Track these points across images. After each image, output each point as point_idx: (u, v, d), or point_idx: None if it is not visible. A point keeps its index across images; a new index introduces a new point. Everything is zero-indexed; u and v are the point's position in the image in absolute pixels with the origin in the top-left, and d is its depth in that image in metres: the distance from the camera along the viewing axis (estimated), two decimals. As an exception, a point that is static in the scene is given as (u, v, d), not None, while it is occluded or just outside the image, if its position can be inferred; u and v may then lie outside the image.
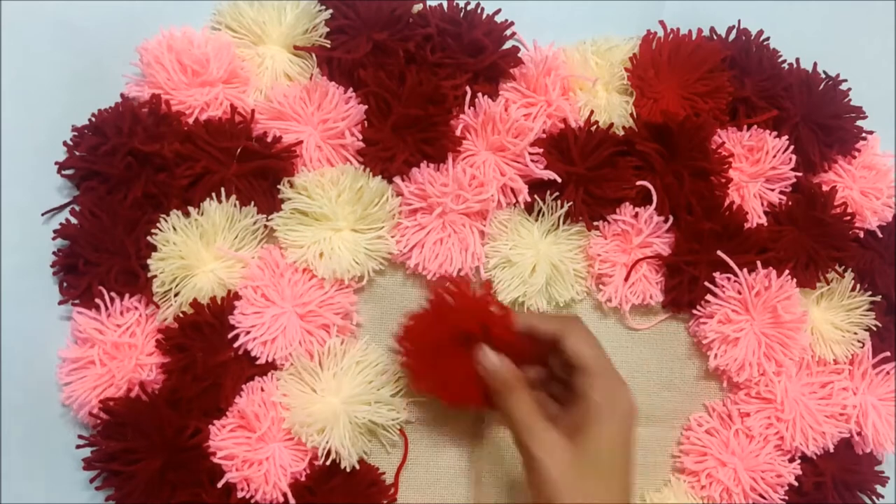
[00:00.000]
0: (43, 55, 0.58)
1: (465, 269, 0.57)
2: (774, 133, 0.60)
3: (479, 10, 0.59)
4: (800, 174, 0.61)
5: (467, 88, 0.57)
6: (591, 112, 0.59)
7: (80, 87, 0.58)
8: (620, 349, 0.60)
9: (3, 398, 0.56)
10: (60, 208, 0.56)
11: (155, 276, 0.54)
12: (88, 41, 0.59)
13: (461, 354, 0.50)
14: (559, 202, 0.58)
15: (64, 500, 0.56)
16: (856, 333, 0.60)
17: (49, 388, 0.55)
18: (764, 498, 0.58)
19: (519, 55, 0.59)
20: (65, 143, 0.56)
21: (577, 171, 0.57)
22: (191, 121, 0.57)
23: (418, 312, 0.53)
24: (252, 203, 0.56)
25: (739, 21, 0.62)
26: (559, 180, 0.57)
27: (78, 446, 0.54)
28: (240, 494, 0.55)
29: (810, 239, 0.60)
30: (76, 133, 0.57)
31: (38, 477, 0.56)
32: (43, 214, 0.57)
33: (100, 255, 0.55)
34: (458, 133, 0.58)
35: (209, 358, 0.54)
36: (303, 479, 0.55)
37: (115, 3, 0.59)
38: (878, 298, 0.61)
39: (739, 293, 0.59)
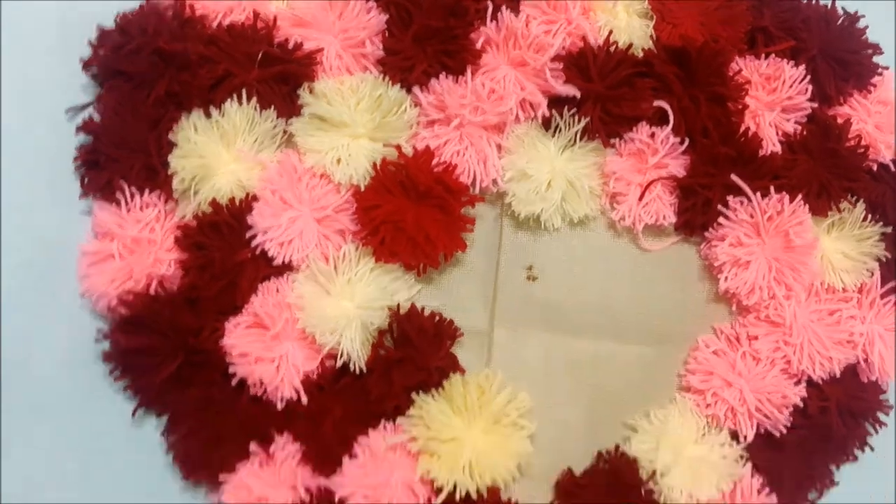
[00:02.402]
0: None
1: (482, 181, 0.58)
2: (792, 63, 0.61)
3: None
4: (815, 105, 0.61)
5: (489, 2, 0.58)
6: (611, 31, 0.59)
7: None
8: (632, 269, 0.61)
9: (25, 291, 0.57)
10: (84, 107, 0.57)
11: (175, 173, 0.55)
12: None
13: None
14: (576, 118, 0.58)
15: (82, 393, 0.57)
16: (865, 263, 0.61)
17: (69, 281, 0.57)
18: (769, 418, 0.59)
19: (540, -27, 0.60)
20: (89, 43, 0.57)
21: (596, 89, 0.58)
22: (214, 25, 0.57)
23: None
24: (272, 107, 0.57)
25: (760, -50, 0.63)
26: (578, 95, 0.57)
27: (97, 340, 0.55)
28: (252, 392, 0.56)
29: (824, 169, 0.60)
30: (101, 34, 0.57)
31: (58, 369, 0.57)
32: (67, 112, 0.57)
33: (121, 152, 0.55)
34: (478, 46, 0.58)
35: (227, 257, 0.55)
36: (314, 377, 0.56)
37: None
38: (888, 230, 0.61)
39: (752, 217, 0.59)
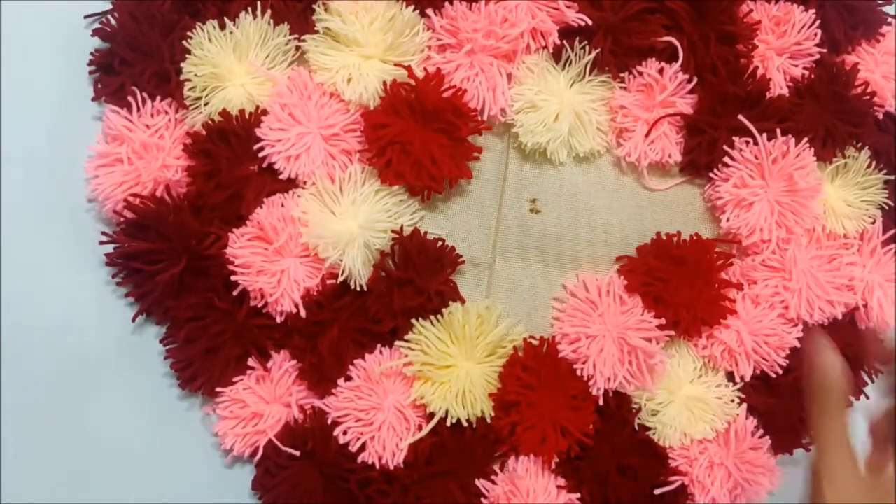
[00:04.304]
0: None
1: (491, 109, 0.58)
2: (801, 7, 0.61)
3: None
4: (824, 51, 0.61)
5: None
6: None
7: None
8: (636, 208, 0.61)
9: (33, 193, 0.58)
10: (102, 14, 0.58)
11: (187, 80, 0.56)
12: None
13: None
14: (587, 50, 0.59)
15: (85, 294, 0.58)
16: (867, 210, 0.61)
17: (77, 183, 0.57)
18: (766, 360, 0.59)
19: None
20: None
21: (608, 19, 0.58)
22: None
23: None
24: (286, 23, 0.57)
25: None
26: (590, 23, 0.58)
27: (101, 242, 0.56)
28: (252, 303, 0.56)
29: (830, 113, 0.61)
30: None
31: (62, 273, 0.58)
32: (85, 17, 0.58)
33: (135, 56, 0.56)
34: (492, -26, 0.59)
35: (234, 167, 0.56)
36: (314, 294, 0.57)
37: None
38: (892, 177, 0.62)
39: (757, 158, 0.59)
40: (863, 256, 0.62)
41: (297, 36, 0.58)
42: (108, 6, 0.58)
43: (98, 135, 0.57)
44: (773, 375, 0.59)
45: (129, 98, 0.56)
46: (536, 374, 0.57)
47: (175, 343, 0.57)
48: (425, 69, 0.57)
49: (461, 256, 0.59)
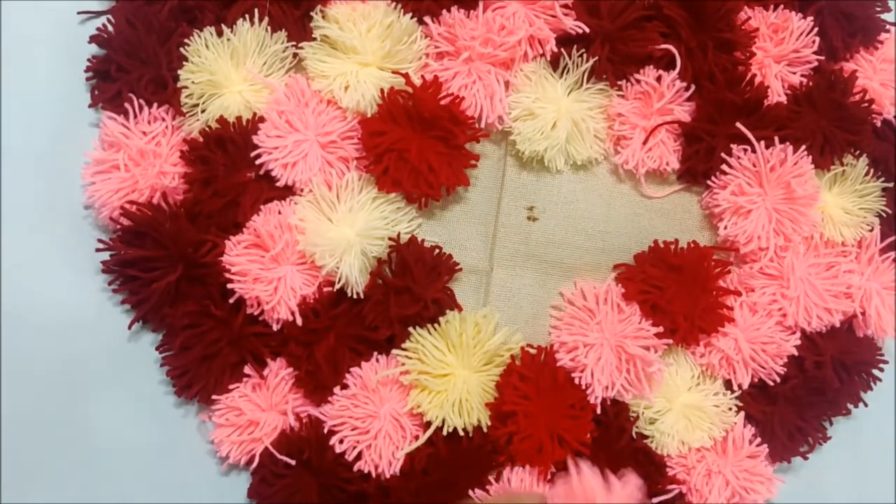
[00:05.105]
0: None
1: (488, 117, 0.58)
2: (799, 15, 0.61)
3: None
4: (822, 58, 0.61)
5: (502, -62, 0.59)
6: (622, -25, 0.60)
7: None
8: (633, 216, 0.61)
9: (31, 199, 0.57)
10: (99, 14, 0.57)
11: (184, 87, 0.56)
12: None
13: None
14: (585, 57, 0.59)
15: (81, 301, 0.58)
16: (865, 217, 0.61)
17: (74, 189, 0.57)
18: (763, 368, 0.59)
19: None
20: (106, -41, 0.58)
21: (605, 27, 0.58)
22: (229, -53, 0.58)
23: None
24: (283, 30, 0.57)
25: None
26: (587, 31, 0.58)
27: (97, 249, 0.55)
28: (248, 311, 0.56)
29: (827, 121, 0.61)
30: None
31: (58, 279, 0.58)
32: (79, 14, 0.58)
33: (132, 62, 0.56)
34: (490, -18, 0.59)
35: (230, 174, 0.55)
36: (311, 301, 0.56)
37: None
38: (890, 185, 0.62)
39: (755, 166, 0.59)
40: (861, 264, 0.62)
41: (294, 43, 0.57)
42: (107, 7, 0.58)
43: (95, 141, 0.57)
44: (771, 383, 0.59)
45: (126, 105, 0.56)
46: (534, 383, 0.57)
47: (171, 350, 0.57)
48: (423, 77, 0.57)
49: (458, 264, 0.59)
